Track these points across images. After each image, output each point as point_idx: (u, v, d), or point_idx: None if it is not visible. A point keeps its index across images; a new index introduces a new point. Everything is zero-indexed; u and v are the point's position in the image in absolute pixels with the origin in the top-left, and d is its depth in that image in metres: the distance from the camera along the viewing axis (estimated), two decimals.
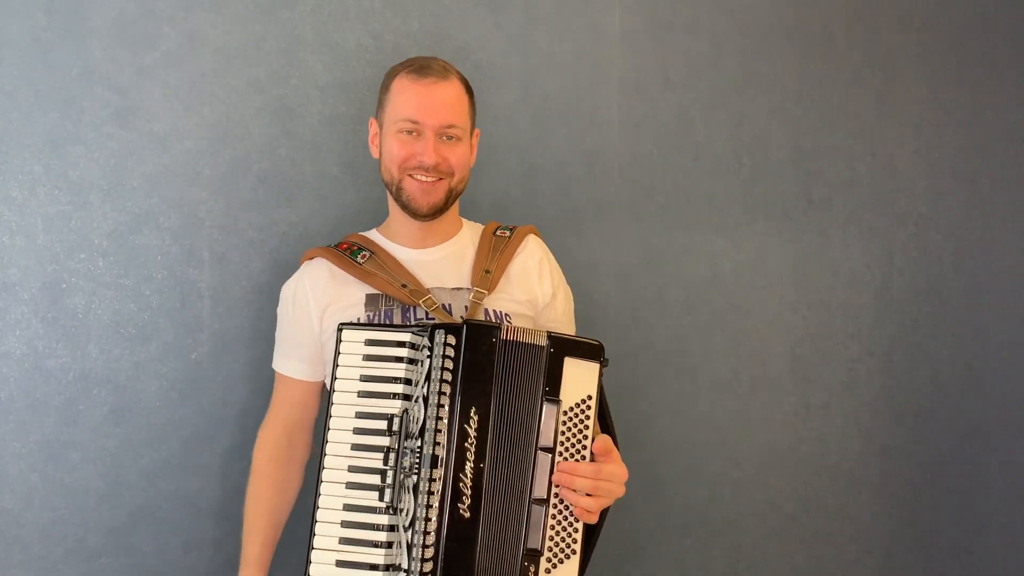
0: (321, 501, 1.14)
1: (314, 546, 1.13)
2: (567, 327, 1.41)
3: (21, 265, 1.45)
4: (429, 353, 1.14)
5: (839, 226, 1.79)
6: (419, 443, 1.12)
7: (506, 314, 1.32)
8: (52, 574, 1.45)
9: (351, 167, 1.58)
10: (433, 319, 1.26)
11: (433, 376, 1.13)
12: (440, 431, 1.12)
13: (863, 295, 1.80)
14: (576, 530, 1.15)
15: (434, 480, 1.11)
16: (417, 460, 1.12)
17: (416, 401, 1.14)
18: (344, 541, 1.12)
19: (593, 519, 1.15)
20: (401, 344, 1.16)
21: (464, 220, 1.45)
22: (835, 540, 1.79)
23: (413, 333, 1.16)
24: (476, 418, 1.13)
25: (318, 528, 1.14)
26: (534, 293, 1.37)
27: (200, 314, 1.51)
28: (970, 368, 1.84)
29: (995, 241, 1.85)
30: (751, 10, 1.75)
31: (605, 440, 1.16)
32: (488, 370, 1.14)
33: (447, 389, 1.13)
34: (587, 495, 1.13)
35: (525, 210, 1.65)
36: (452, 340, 1.14)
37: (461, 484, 1.11)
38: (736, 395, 1.75)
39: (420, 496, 1.10)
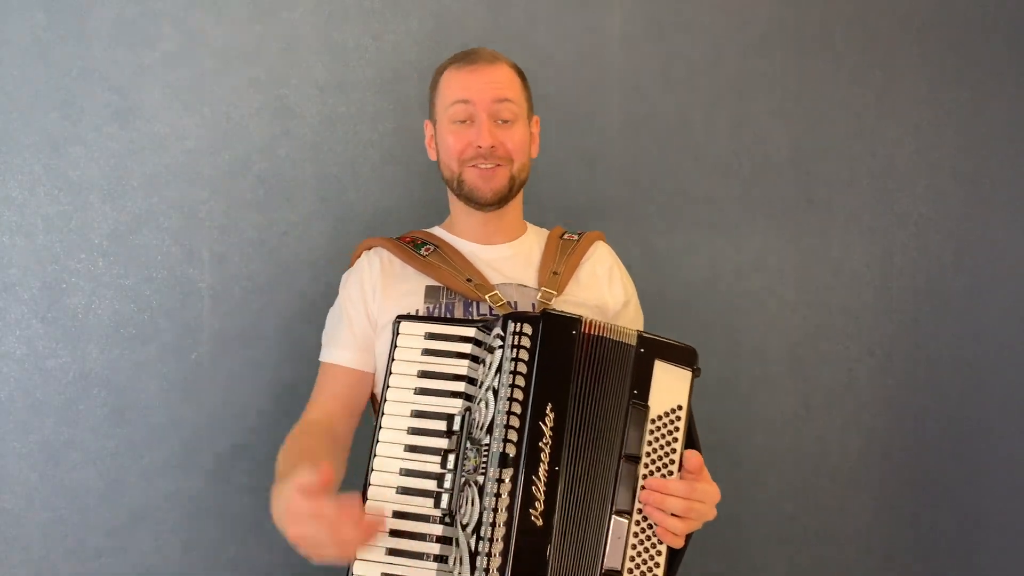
0: (369, 507, 1.04)
1: (357, 556, 1.02)
2: None
3: (21, 265, 1.45)
4: (501, 343, 1.04)
5: (839, 226, 1.79)
6: (487, 440, 1.01)
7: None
8: (52, 574, 1.45)
9: (351, 167, 1.58)
10: (498, 316, 1.16)
11: (505, 368, 1.02)
12: (512, 427, 1.00)
13: (863, 295, 1.80)
14: (659, 552, 1.03)
15: (503, 481, 0.99)
16: (484, 460, 1.01)
17: (482, 398, 1.05)
18: (392, 552, 1.01)
19: (679, 543, 1.03)
20: (466, 340, 1.07)
21: (528, 224, 1.41)
22: (835, 540, 1.78)
23: (479, 328, 1.08)
24: (552, 415, 1.01)
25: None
26: (604, 299, 1.31)
27: (200, 314, 1.51)
28: (970, 368, 1.84)
29: (995, 241, 1.85)
30: (751, 10, 1.75)
31: (697, 456, 1.05)
32: (567, 365, 1.03)
33: (521, 382, 1.02)
34: (675, 516, 1.01)
35: (525, 210, 1.65)
36: (528, 330, 1.03)
37: (534, 488, 0.99)
38: (736, 395, 1.74)
39: (487, 499, 0.99)
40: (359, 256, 1.35)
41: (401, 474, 1.05)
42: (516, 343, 1.03)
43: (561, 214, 1.67)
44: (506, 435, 1.00)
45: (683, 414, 1.06)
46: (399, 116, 1.59)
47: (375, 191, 1.58)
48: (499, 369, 1.04)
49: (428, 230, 1.38)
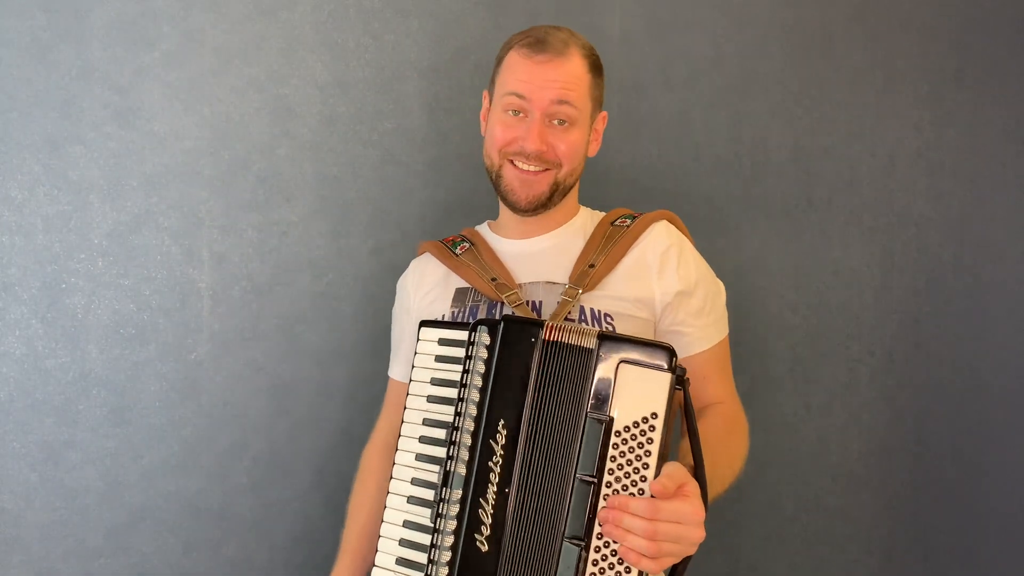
0: (386, 515, 1.04)
1: (376, 563, 1.03)
2: (704, 332, 1.18)
3: (21, 265, 1.45)
4: (466, 355, 1.00)
5: (839, 226, 1.79)
6: (449, 459, 0.98)
7: (607, 315, 1.13)
8: (52, 574, 1.45)
9: (351, 167, 1.57)
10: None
11: (466, 381, 0.98)
12: (464, 445, 0.96)
13: (863, 295, 1.80)
14: None
15: (455, 503, 0.95)
16: (447, 479, 0.98)
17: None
18: (400, 562, 1.01)
19: (649, 567, 0.90)
20: (463, 343, 1.03)
21: (583, 208, 1.29)
22: (835, 540, 1.78)
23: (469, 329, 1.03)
24: (504, 432, 0.95)
25: (381, 544, 1.04)
26: (650, 291, 1.16)
27: (200, 314, 1.51)
28: (970, 368, 1.84)
29: (995, 241, 1.85)
30: (751, 10, 1.75)
31: (671, 474, 0.91)
32: (524, 376, 0.96)
33: (476, 396, 0.97)
34: (644, 539, 0.89)
35: None
36: (486, 339, 0.98)
37: (481, 511, 0.94)
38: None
39: (440, 521, 0.96)
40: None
41: (411, 483, 1.04)
42: (476, 353, 0.98)
43: None
44: (458, 453, 0.96)
45: (659, 424, 0.92)
46: (399, 116, 1.59)
47: (375, 191, 1.58)
48: (461, 383, 0.99)
49: (477, 227, 1.33)
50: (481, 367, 0.98)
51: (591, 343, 0.96)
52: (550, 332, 0.97)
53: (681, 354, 1.13)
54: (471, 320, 1.14)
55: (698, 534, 0.91)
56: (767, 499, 1.76)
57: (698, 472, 0.97)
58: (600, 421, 0.93)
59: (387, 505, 1.04)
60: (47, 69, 1.45)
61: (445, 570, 0.95)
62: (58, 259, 1.46)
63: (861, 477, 1.79)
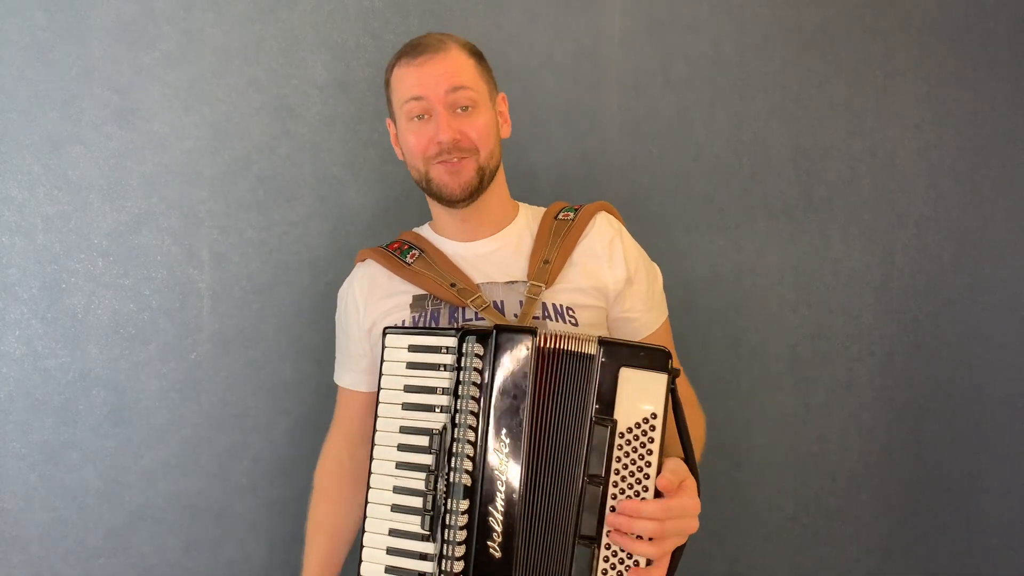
0: (367, 524, 1.04)
1: (361, 573, 1.03)
2: (652, 314, 1.25)
3: (21, 265, 1.45)
4: (458, 364, 1.01)
5: (839, 226, 1.79)
6: (448, 469, 0.99)
7: (569, 308, 1.17)
8: (52, 574, 1.45)
9: (351, 167, 1.58)
10: (483, 319, 1.14)
11: (461, 392, 1.00)
12: (468, 456, 0.98)
13: (863, 295, 1.80)
14: None
15: (463, 512, 0.97)
16: (446, 488, 0.99)
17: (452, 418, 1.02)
18: (389, 570, 1.01)
19: (657, 573, 0.96)
20: (443, 350, 1.03)
21: (522, 205, 1.33)
22: (835, 540, 1.78)
23: (454, 336, 1.04)
24: (508, 441, 0.97)
25: (365, 554, 1.04)
26: (603, 280, 1.21)
27: (200, 314, 1.51)
28: (970, 368, 1.84)
29: (995, 241, 1.85)
30: (751, 10, 1.75)
31: (675, 470, 0.96)
32: (522, 383, 0.98)
33: (473, 407, 0.98)
34: (655, 540, 0.94)
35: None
36: (479, 349, 0.99)
37: (491, 519, 0.96)
38: (736, 395, 1.74)
39: (448, 531, 0.97)
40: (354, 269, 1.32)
41: (394, 492, 1.04)
42: (470, 364, 0.99)
43: None
44: (463, 464, 0.98)
45: (658, 423, 0.96)
46: None
47: (375, 191, 1.58)
48: (455, 393, 1.00)
49: (417, 230, 1.34)
50: (476, 377, 0.99)
51: (592, 349, 0.98)
52: (546, 340, 0.99)
53: (633, 337, 1.17)
54: (433, 325, 1.16)
55: (695, 526, 0.97)
56: (767, 499, 1.76)
57: (689, 464, 1.01)
58: (605, 424, 0.96)
59: (368, 515, 1.05)
60: (47, 69, 1.45)
61: None
62: (58, 259, 1.46)
63: (861, 477, 1.79)
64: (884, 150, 1.81)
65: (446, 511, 0.98)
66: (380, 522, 1.04)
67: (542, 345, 0.99)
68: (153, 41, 1.49)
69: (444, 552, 0.97)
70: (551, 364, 0.98)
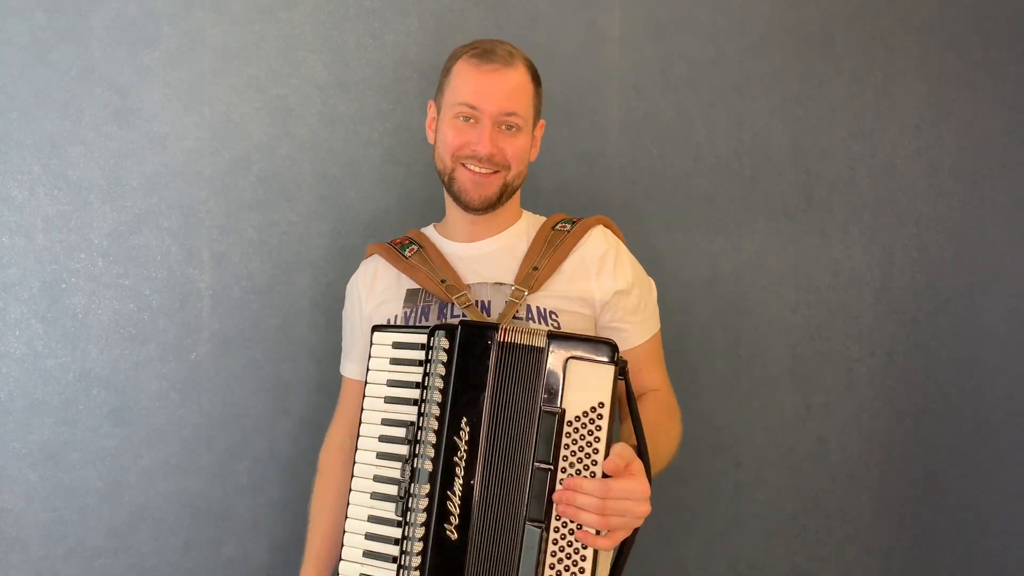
0: (350, 511, 1.10)
1: (342, 557, 1.10)
2: (640, 327, 1.29)
3: (21, 265, 1.45)
4: (427, 357, 1.07)
5: (839, 226, 1.79)
6: (413, 456, 1.06)
7: (552, 312, 1.21)
8: (52, 574, 1.45)
9: (351, 167, 1.58)
10: (466, 317, 1.18)
11: (427, 383, 1.06)
12: (429, 443, 1.04)
13: (863, 295, 1.80)
14: (584, 558, 1.00)
15: (425, 496, 1.03)
16: (411, 474, 1.05)
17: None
18: (367, 554, 1.08)
19: (603, 544, 1.00)
20: (420, 347, 1.09)
21: (525, 212, 1.37)
22: (835, 540, 1.79)
23: (429, 334, 1.09)
24: (467, 429, 1.03)
25: (346, 539, 1.10)
26: (590, 291, 1.25)
27: (200, 314, 1.51)
28: (970, 368, 1.84)
29: (995, 241, 1.85)
30: (751, 10, 1.75)
31: (620, 453, 1.01)
32: (482, 376, 1.04)
33: (438, 397, 1.05)
34: (596, 515, 0.99)
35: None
36: (445, 343, 1.05)
37: (449, 503, 1.02)
38: (736, 395, 1.74)
39: (410, 514, 1.04)
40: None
41: (374, 480, 1.10)
42: (436, 357, 1.05)
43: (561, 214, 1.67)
44: (424, 451, 1.04)
45: (606, 412, 1.01)
46: (399, 116, 1.59)
47: (375, 191, 1.58)
48: (422, 384, 1.06)
49: (423, 229, 1.38)
50: (441, 369, 1.05)
51: (541, 342, 1.04)
52: (504, 334, 1.05)
53: (621, 347, 1.21)
54: (423, 320, 1.22)
55: (644, 508, 1.00)
56: (767, 499, 1.76)
57: (641, 451, 1.06)
58: (552, 413, 1.02)
59: (350, 502, 1.10)
60: (47, 69, 1.45)
61: (418, 559, 1.03)
62: (58, 259, 1.46)
63: (861, 477, 1.79)
64: (884, 150, 1.81)
65: (410, 496, 1.04)
66: (361, 508, 1.10)
67: (501, 339, 1.04)
68: (153, 41, 1.49)
69: (407, 534, 1.03)
70: (508, 357, 1.04)
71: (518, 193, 1.33)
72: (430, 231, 1.37)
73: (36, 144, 1.45)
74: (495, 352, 1.04)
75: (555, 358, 1.03)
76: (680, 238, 1.72)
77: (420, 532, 1.03)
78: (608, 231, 1.33)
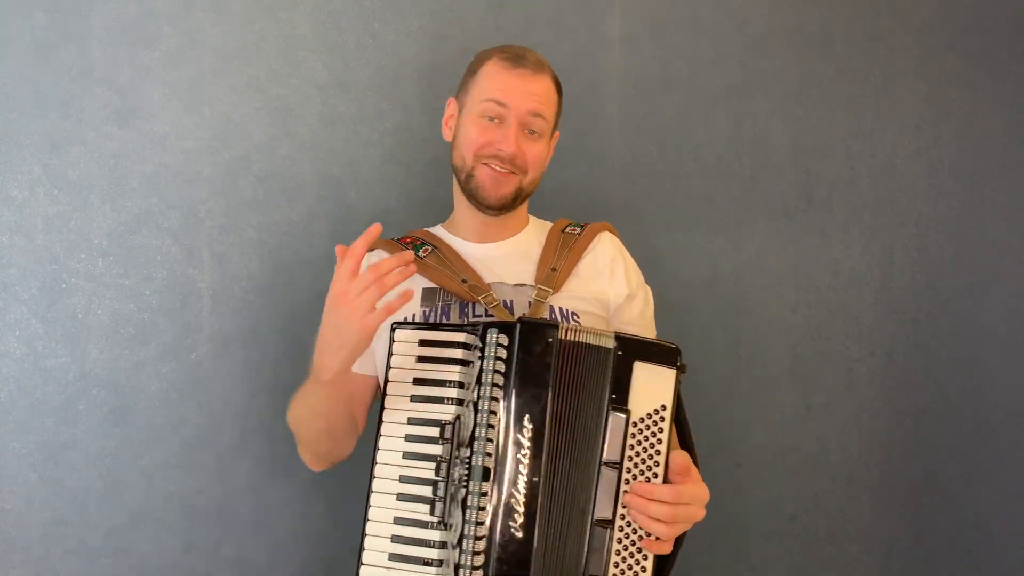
0: (371, 513, 1.06)
1: (363, 561, 1.05)
2: (646, 332, 1.31)
3: (21, 265, 1.45)
4: (481, 354, 1.04)
5: (839, 226, 1.79)
6: (468, 453, 1.02)
7: (573, 313, 1.23)
8: (52, 574, 1.45)
9: (351, 167, 1.58)
10: (492, 316, 1.18)
11: (484, 380, 1.03)
12: (491, 440, 1.02)
13: (863, 295, 1.80)
14: (645, 557, 1.02)
15: (484, 494, 1.00)
16: (467, 472, 1.02)
17: (467, 407, 1.05)
18: (394, 557, 1.04)
19: (666, 548, 1.02)
20: (456, 345, 1.07)
21: (531, 217, 1.39)
22: (835, 540, 1.79)
23: (468, 333, 1.08)
24: (531, 427, 1.02)
25: (367, 542, 1.05)
26: (605, 293, 1.28)
27: (200, 314, 1.51)
28: (970, 368, 1.84)
29: (995, 241, 1.85)
30: (751, 10, 1.75)
31: (683, 457, 1.04)
32: (544, 373, 1.03)
33: (498, 394, 1.02)
34: (666, 522, 1.00)
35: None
36: (504, 340, 1.03)
37: (513, 500, 1.00)
38: (736, 395, 1.74)
39: (468, 512, 1.00)
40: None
41: (400, 481, 1.06)
42: (493, 354, 1.03)
43: (561, 214, 1.67)
44: (485, 448, 1.02)
45: (667, 415, 1.03)
46: (399, 116, 1.59)
47: (375, 191, 1.58)
48: (479, 380, 1.04)
49: (429, 229, 1.38)
50: (501, 366, 1.03)
51: (609, 343, 1.04)
52: (566, 332, 1.04)
53: None
54: (444, 319, 1.20)
55: (703, 514, 1.04)
56: (767, 499, 1.76)
57: (693, 459, 1.08)
58: (621, 413, 1.02)
59: (371, 504, 1.07)
60: (47, 69, 1.45)
61: (480, 559, 0.99)
62: (58, 259, 1.46)
63: (861, 477, 1.79)
64: (884, 150, 1.81)
65: (468, 494, 1.01)
66: (384, 511, 1.06)
67: (563, 338, 1.04)
68: (153, 41, 1.49)
69: (465, 532, 1.00)
70: (570, 356, 1.04)
71: (526, 204, 1.35)
72: (440, 231, 1.36)
73: (36, 144, 1.45)
74: (557, 350, 1.04)
75: (622, 359, 1.04)
76: (680, 238, 1.72)
77: (482, 531, 1.00)
78: (615, 237, 1.36)
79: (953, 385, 1.84)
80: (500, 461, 1.02)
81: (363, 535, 1.06)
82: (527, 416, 1.02)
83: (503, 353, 1.03)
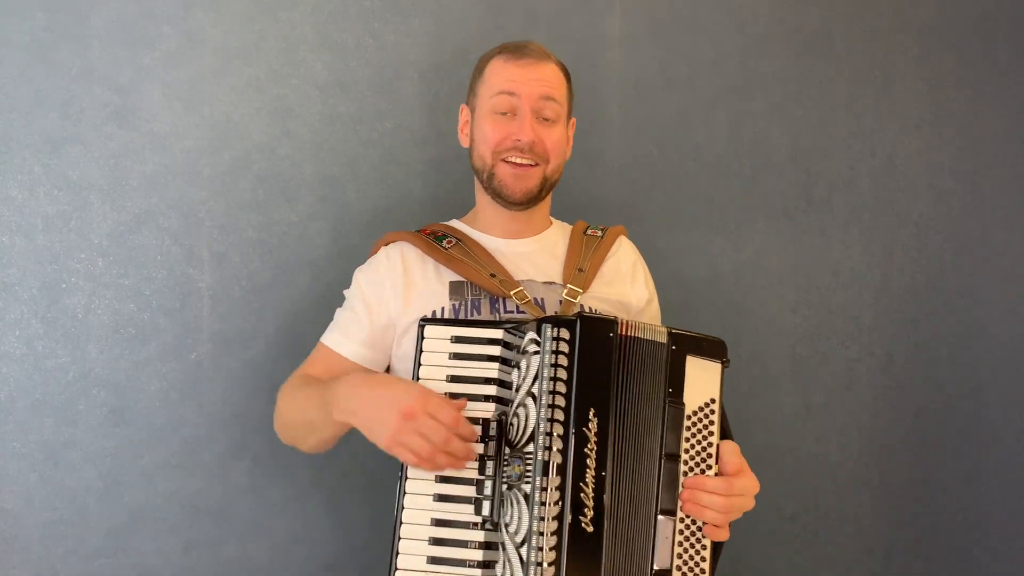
0: (405, 516, 1.04)
1: (398, 566, 1.03)
2: None
3: (21, 265, 1.45)
4: (537, 348, 1.03)
5: (839, 226, 1.79)
6: (530, 448, 1.01)
7: (599, 313, 1.24)
8: (52, 574, 1.45)
9: (351, 167, 1.58)
10: (523, 313, 1.18)
11: (544, 374, 1.01)
12: (556, 435, 1.00)
13: (863, 295, 1.80)
14: (704, 547, 1.05)
15: (551, 489, 0.99)
16: (529, 467, 1.00)
17: (520, 403, 1.04)
18: (433, 560, 1.02)
19: (724, 535, 1.07)
20: (495, 342, 1.06)
21: (552, 218, 1.40)
22: (835, 540, 1.79)
23: (507, 331, 1.07)
24: (595, 421, 1.02)
25: (402, 546, 1.03)
26: (627, 296, 1.30)
27: (200, 314, 1.51)
28: (970, 368, 1.84)
29: (995, 241, 1.85)
30: (751, 10, 1.75)
31: (736, 450, 1.09)
32: (606, 368, 1.03)
33: (562, 388, 1.01)
34: (721, 513, 1.05)
35: None
36: (566, 335, 1.02)
37: (582, 495, 1.00)
38: (736, 395, 1.74)
39: (535, 507, 0.99)
40: (378, 250, 1.31)
41: (437, 481, 1.05)
42: (554, 348, 1.02)
43: (561, 214, 1.67)
44: (551, 443, 1.00)
45: (716, 407, 1.08)
46: (399, 116, 1.59)
47: (375, 191, 1.58)
48: (537, 375, 1.02)
49: (447, 223, 1.36)
50: (564, 360, 1.02)
51: (663, 338, 1.07)
52: (625, 328, 1.06)
53: None
54: (474, 314, 1.19)
55: (752, 504, 1.10)
56: (767, 499, 1.76)
57: None
58: (677, 406, 1.06)
59: (404, 506, 1.05)
60: (47, 69, 1.45)
61: (552, 554, 0.98)
62: (58, 259, 1.46)
63: (861, 477, 1.79)
64: (884, 150, 1.81)
65: (533, 489, 0.99)
66: (420, 512, 1.04)
67: (622, 333, 1.05)
68: (153, 41, 1.49)
69: (533, 528, 0.99)
70: (629, 351, 1.05)
71: (549, 201, 1.35)
72: (459, 224, 1.34)
73: (36, 144, 1.45)
74: (617, 346, 1.05)
75: (675, 354, 1.07)
76: (680, 238, 1.72)
77: (552, 527, 0.98)
78: (631, 242, 1.40)
79: (953, 385, 1.83)
80: (566, 456, 1.00)
81: (396, 538, 1.04)
82: (592, 410, 1.02)
83: (564, 347, 1.02)
